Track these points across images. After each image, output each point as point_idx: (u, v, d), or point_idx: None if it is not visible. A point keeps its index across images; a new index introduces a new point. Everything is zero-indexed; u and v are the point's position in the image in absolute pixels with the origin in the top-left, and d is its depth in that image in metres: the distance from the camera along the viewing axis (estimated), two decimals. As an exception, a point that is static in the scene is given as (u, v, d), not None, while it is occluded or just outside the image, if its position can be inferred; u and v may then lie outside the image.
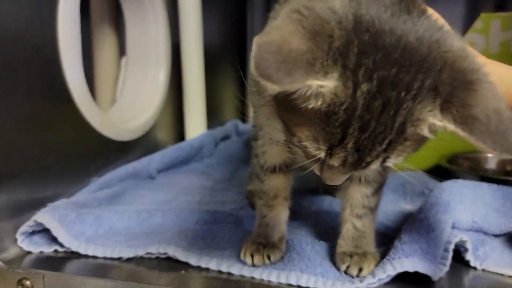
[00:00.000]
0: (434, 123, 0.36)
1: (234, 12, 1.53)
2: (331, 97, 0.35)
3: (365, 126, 0.35)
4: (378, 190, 0.57)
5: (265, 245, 0.57)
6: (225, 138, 1.28)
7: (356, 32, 0.35)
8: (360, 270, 0.53)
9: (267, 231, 0.58)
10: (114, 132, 0.84)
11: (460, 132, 0.35)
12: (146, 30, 0.99)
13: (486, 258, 0.58)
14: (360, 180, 0.56)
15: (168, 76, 1.03)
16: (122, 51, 1.05)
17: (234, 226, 0.67)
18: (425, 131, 0.36)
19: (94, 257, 0.61)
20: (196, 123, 1.12)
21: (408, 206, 0.77)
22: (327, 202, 0.78)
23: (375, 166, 0.38)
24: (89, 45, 1.02)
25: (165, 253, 0.59)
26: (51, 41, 0.70)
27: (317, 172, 0.42)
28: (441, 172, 0.87)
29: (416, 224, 0.56)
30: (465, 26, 1.26)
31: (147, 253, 0.60)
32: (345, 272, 0.53)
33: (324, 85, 0.34)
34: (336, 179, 0.41)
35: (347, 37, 0.34)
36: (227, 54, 1.43)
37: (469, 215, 0.61)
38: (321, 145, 0.37)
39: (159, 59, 1.00)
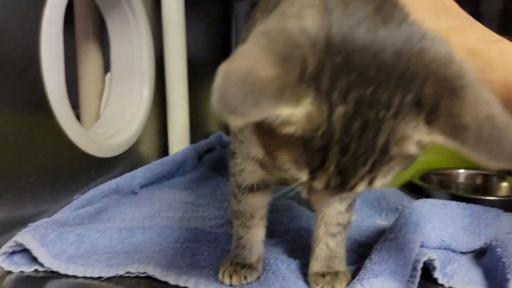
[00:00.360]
0: (421, 139, 0.34)
1: (218, 24, 1.55)
2: (304, 124, 0.33)
3: (345, 149, 0.33)
4: (351, 206, 0.58)
5: (243, 266, 0.58)
6: (210, 150, 1.30)
7: (328, 54, 0.32)
8: (332, 288, 0.55)
9: (244, 253, 0.60)
10: (97, 149, 0.86)
11: (451, 143, 0.33)
12: (130, 46, 1.00)
13: (453, 275, 0.60)
14: None
15: (152, 92, 1.05)
16: (106, 67, 1.06)
17: (213, 244, 0.69)
18: (411, 149, 0.35)
19: (74, 276, 0.61)
20: (179, 137, 1.13)
21: (383, 221, 0.80)
22: (306, 219, 0.80)
23: (361, 188, 0.36)
24: (74, 61, 1.04)
25: (144, 272, 0.60)
26: (34, 60, 0.71)
27: (304, 196, 0.40)
28: (414, 188, 0.90)
29: (386, 244, 0.58)
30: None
31: (127, 272, 0.61)
32: (319, 292, 0.55)
33: (294, 114, 0.32)
34: (323, 203, 0.40)
35: (320, 60, 0.32)
36: (211, 67, 1.44)
37: (438, 234, 0.64)
38: (302, 169, 0.36)
39: (143, 75, 1.02)
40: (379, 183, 0.36)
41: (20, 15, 0.68)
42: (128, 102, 1.01)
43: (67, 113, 0.77)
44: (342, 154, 0.34)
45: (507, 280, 0.54)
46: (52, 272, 0.62)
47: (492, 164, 0.32)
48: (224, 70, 0.30)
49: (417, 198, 0.74)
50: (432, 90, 0.33)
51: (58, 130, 0.76)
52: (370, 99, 0.32)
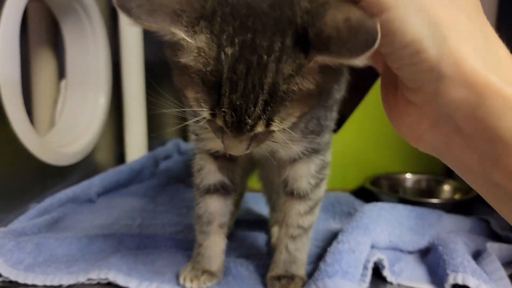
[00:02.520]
0: (306, 71, 0.38)
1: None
2: (197, 56, 0.37)
3: (234, 87, 0.37)
4: (312, 209, 0.60)
5: (204, 272, 0.60)
6: (167, 157, 1.30)
7: (220, 4, 0.37)
8: (288, 291, 0.58)
9: (204, 261, 0.61)
10: (52, 157, 0.85)
11: (323, 59, 0.36)
12: (86, 53, 1.00)
13: (401, 273, 0.65)
14: (293, 194, 0.58)
15: (108, 99, 1.04)
16: (60, 74, 1.05)
17: (173, 250, 0.70)
18: (303, 84, 0.38)
19: (34, 285, 0.61)
20: (136, 145, 1.14)
21: (337, 225, 0.84)
22: (263, 225, 0.82)
23: (260, 129, 0.39)
24: (27, 67, 1.02)
25: (106, 279, 0.61)
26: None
27: (221, 142, 0.43)
28: (366, 193, 0.96)
29: (339, 246, 0.62)
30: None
31: (88, 279, 0.61)
32: (276, 295, 0.58)
33: (188, 40, 0.37)
34: (235, 147, 0.42)
35: (214, 7, 0.37)
36: (168, 72, 1.45)
37: (386, 235, 0.68)
38: (203, 106, 0.39)
39: (100, 83, 1.01)
40: (276, 126, 0.40)
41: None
42: (83, 110, 1.01)
43: (23, 121, 0.76)
44: (232, 92, 0.37)
45: (447, 275, 0.59)
46: (10, 282, 0.62)
47: (355, 61, 0.35)
48: None
49: (368, 202, 0.79)
50: (301, 24, 0.37)
51: (13, 138, 0.75)
52: (251, 44, 0.37)
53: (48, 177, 0.86)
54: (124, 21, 1.06)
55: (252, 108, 0.38)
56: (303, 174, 0.58)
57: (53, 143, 0.91)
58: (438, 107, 0.33)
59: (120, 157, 1.15)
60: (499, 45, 0.33)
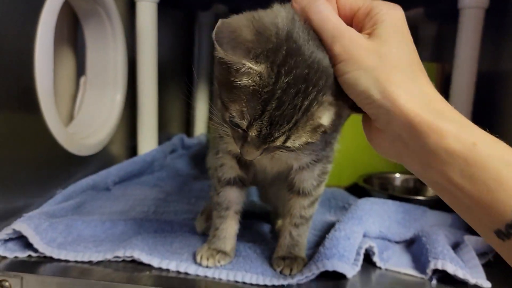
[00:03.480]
0: (330, 111, 0.49)
1: (183, 33, 1.64)
2: (257, 79, 0.47)
3: (280, 106, 0.47)
4: (313, 203, 0.70)
5: (218, 251, 0.69)
6: (172, 152, 1.39)
7: (287, 41, 0.47)
8: (291, 270, 0.67)
9: (219, 243, 0.70)
10: (76, 147, 0.93)
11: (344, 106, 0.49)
12: (106, 53, 1.07)
13: (388, 260, 0.73)
14: (299, 193, 0.69)
15: (124, 97, 1.12)
16: (78, 71, 1.12)
17: (188, 234, 0.79)
18: (323, 118, 0.48)
19: (66, 261, 0.69)
20: (148, 139, 1.21)
21: (332, 217, 0.93)
22: (265, 216, 0.91)
23: (279, 142, 0.49)
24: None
25: (130, 257, 0.69)
26: (28, 63, 0.77)
27: (238, 149, 0.53)
28: (359, 189, 1.05)
29: (336, 233, 0.71)
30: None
31: (115, 257, 0.70)
32: (280, 272, 0.67)
33: (253, 68, 0.46)
34: (252, 154, 0.51)
35: (280, 43, 0.47)
36: (176, 71, 1.53)
37: (377, 227, 0.78)
38: (245, 117, 0.48)
39: (117, 81, 1.09)
40: (290, 143, 0.50)
41: (18, 20, 0.75)
42: (101, 106, 1.08)
43: (54, 114, 0.84)
44: (276, 109, 0.47)
45: (429, 261, 0.68)
46: (45, 257, 0.70)
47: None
48: (222, 21, 0.47)
49: (361, 198, 0.87)
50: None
51: (46, 130, 0.82)
52: (305, 77, 0.47)
53: (71, 166, 0.93)
54: (141, 24, 1.15)
55: (285, 125, 0.48)
56: (308, 178, 0.68)
57: (73, 134, 0.98)
58: (391, 130, 0.45)
59: (132, 149, 1.23)
60: (426, 85, 0.45)
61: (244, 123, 0.49)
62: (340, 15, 0.50)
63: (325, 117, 0.49)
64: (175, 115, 1.56)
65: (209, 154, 0.80)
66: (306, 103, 0.47)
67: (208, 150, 0.83)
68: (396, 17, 0.47)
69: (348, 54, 0.45)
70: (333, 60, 0.47)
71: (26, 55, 0.77)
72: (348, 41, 0.46)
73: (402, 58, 0.46)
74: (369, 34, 0.46)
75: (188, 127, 1.70)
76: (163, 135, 1.37)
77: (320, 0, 0.48)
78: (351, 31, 0.46)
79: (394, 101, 0.43)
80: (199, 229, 0.79)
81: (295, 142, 0.50)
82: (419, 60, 0.47)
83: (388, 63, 0.45)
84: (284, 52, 0.47)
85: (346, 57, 0.45)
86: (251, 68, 0.46)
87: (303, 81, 0.47)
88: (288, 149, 0.52)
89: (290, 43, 0.47)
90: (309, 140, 0.51)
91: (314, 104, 0.48)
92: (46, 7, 0.80)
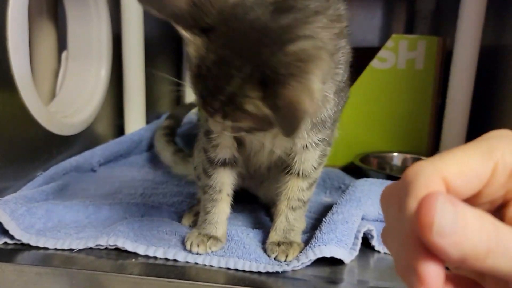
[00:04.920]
0: (257, 105, 0.46)
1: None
2: (194, 52, 0.46)
3: (207, 81, 0.46)
4: (312, 185, 0.67)
5: (209, 237, 0.64)
6: (161, 130, 1.34)
7: (224, 21, 0.45)
8: (287, 256, 0.63)
9: (210, 228, 0.66)
10: (57, 127, 0.87)
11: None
12: (89, 26, 1.01)
13: (387, 243, 0.70)
14: (298, 175, 0.65)
15: (109, 72, 1.06)
16: (60, 45, 1.06)
17: (176, 218, 0.75)
18: (250, 107, 0.46)
19: (45, 248, 0.65)
20: (136, 117, 1.16)
21: (327, 199, 0.89)
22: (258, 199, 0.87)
23: (218, 118, 0.48)
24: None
25: (114, 245, 0.65)
26: (0, 38, 0.72)
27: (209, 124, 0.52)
28: (355, 169, 1.01)
29: (333, 217, 0.67)
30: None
31: (97, 245, 0.65)
32: (275, 259, 0.63)
33: (192, 41, 0.46)
34: (213, 126, 0.52)
35: (218, 20, 0.45)
36: (165, 46, 1.46)
37: (376, 208, 0.74)
38: (196, 92, 0.48)
39: (101, 56, 1.03)
40: (228, 123, 0.48)
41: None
42: (85, 82, 1.02)
43: (31, 92, 0.78)
44: (204, 83, 0.47)
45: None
46: (22, 244, 0.65)
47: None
48: None
49: (358, 178, 0.84)
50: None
51: (23, 108, 0.77)
52: (230, 59, 0.44)
53: (53, 146, 0.88)
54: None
55: (215, 102, 0.47)
56: (310, 158, 0.65)
57: (55, 113, 0.93)
58: None
59: (119, 129, 1.18)
60: None
61: (197, 97, 0.49)
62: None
63: (252, 108, 0.46)
64: (163, 93, 1.50)
65: (195, 155, 0.75)
66: (230, 88, 0.45)
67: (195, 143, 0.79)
68: None
69: None
70: None
71: (-2, 27, 0.72)
72: None
73: None
74: None
75: (177, 105, 1.64)
76: (152, 113, 1.31)
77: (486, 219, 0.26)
78: None
79: None
80: (186, 223, 0.74)
81: (236, 124, 0.48)
82: None
83: None
84: (218, 30, 0.45)
85: None
86: (189, 39, 0.46)
87: (228, 63, 0.45)
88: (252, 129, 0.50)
89: (227, 21, 0.45)
90: (250, 125, 0.48)
91: (241, 95, 0.45)
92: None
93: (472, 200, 0.29)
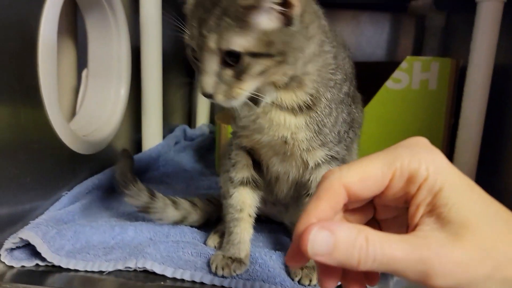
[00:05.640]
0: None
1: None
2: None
3: (200, 14, 0.53)
4: None
5: (233, 260, 0.66)
6: (175, 144, 1.36)
7: None
8: (310, 280, 0.65)
9: (234, 249, 0.68)
10: (81, 146, 0.89)
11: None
12: (109, 45, 1.03)
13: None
14: None
15: (129, 91, 1.08)
16: (80, 63, 1.07)
17: (199, 238, 0.77)
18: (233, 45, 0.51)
19: (76, 270, 0.67)
20: (153, 133, 1.18)
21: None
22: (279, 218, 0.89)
23: (212, 43, 0.52)
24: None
25: (143, 267, 0.67)
26: (31, 63, 0.74)
27: (200, 85, 0.55)
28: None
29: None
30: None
31: (126, 267, 0.67)
32: (299, 282, 0.65)
33: None
34: (206, 82, 0.54)
35: None
36: (177, 60, 1.48)
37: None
38: (186, 32, 0.54)
39: (121, 74, 1.05)
40: (225, 42, 0.52)
41: (20, 14, 0.71)
42: (105, 101, 1.04)
43: (57, 111, 0.80)
44: (199, 16, 0.53)
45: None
46: (53, 266, 0.67)
47: None
48: None
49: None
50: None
51: (50, 130, 0.79)
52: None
53: (76, 165, 0.90)
54: (145, 16, 1.10)
55: (208, 25, 0.52)
56: None
57: (75, 131, 0.95)
58: None
59: (137, 143, 1.19)
60: None
61: (186, 36, 0.54)
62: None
63: (236, 41, 0.51)
64: (177, 106, 1.52)
65: (221, 175, 0.78)
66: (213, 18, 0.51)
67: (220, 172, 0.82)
68: (445, 166, 0.35)
69: (453, 279, 0.32)
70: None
71: (29, 50, 0.74)
72: (444, 265, 0.32)
73: (502, 231, 0.33)
74: (438, 221, 0.33)
75: (190, 117, 1.66)
76: (166, 125, 1.33)
77: (359, 237, 0.33)
78: (431, 248, 0.32)
79: None
80: (211, 245, 0.76)
81: (230, 42, 0.51)
82: (496, 202, 0.35)
83: (501, 252, 0.32)
84: None
85: (453, 282, 0.32)
86: None
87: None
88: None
89: None
90: (259, 50, 0.52)
91: (222, 22, 0.51)
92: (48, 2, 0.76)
93: (379, 199, 0.37)
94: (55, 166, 0.82)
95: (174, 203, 0.80)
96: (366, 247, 0.32)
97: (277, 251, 0.73)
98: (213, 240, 0.76)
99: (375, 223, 0.41)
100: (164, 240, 0.74)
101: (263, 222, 0.83)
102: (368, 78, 1.01)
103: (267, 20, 0.52)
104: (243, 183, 0.69)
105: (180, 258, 0.69)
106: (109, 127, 1.01)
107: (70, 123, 0.99)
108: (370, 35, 1.57)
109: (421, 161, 0.34)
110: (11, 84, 0.70)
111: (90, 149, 0.94)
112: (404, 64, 1.03)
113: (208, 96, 0.55)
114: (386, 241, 0.32)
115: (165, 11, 1.15)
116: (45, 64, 0.76)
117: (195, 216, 0.81)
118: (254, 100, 0.59)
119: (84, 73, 1.05)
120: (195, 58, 0.56)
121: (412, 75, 1.03)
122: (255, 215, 0.71)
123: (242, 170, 0.69)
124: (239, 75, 0.53)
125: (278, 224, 0.85)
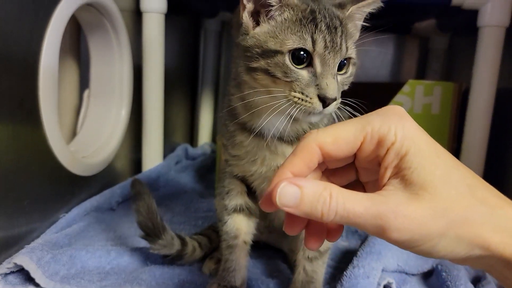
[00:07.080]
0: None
1: (188, 39, 1.59)
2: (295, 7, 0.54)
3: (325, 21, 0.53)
4: None
5: None
6: (176, 163, 1.35)
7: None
8: (308, 310, 0.64)
9: (229, 277, 0.67)
10: (80, 168, 0.89)
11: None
12: (111, 66, 1.03)
13: (407, 293, 0.71)
14: None
15: (129, 112, 1.08)
16: (82, 84, 1.08)
17: (196, 264, 0.76)
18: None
19: (69, 296, 0.66)
20: (153, 154, 1.17)
21: (344, 243, 0.89)
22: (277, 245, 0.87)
23: (344, 50, 0.54)
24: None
25: (137, 293, 0.66)
26: (32, 74, 0.74)
27: (315, 92, 0.53)
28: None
29: (354, 271, 0.68)
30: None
31: (121, 294, 0.66)
32: (296, 311, 0.64)
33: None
34: (331, 82, 0.53)
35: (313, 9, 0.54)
36: (180, 79, 1.49)
37: (395, 260, 0.74)
38: (305, 37, 0.52)
39: (122, 96, 1.05)
40: (351, 50, 0.56)
41: (22, 39, 0.71)
42: (106, 122, 1.04)
43: (57, 135, 0.80)
44: (325, 21, 0.54)
45: (451, 301, 0.65)
46: (47, 291, 0.66)
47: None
48: None
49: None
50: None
51: (49, 152, 0.79)
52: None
53: (75, 187, 0.90)
54: (148, 39, 1.10)
55: (339, 33, 0.53)
56: None
57: (75, 153, 0.94)
58: (480, 265, 0.39)
59: (136, 164, 1.19)
60: (494, 198, 0.38)
61: (306, 42, 0.52)
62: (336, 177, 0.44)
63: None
64: (178, 124, 1.52)
65: (216, 198, 0.77)
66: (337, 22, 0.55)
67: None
68: (413, 132, 0.38)
69: (407, 233, 0.36)
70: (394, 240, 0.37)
71: (30, 75, 0.74)
72: (398, 220, 0.35)
73: (462, 194, 0.37)
74: (402, 182, 0.37)
75: (191, 136, 1.66)
76: (167, 144, 1.33)
77: (324, 192, 0.37)
78: (389, 205, 0.36)
79: (486, 248, 0.36)
80: (207, 271, 0.75)
81: (351, 48, 0.55)
82: (466, 169, 0.39)
83: (457, 213, 0.36)
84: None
85: (408, 236, 0.36)
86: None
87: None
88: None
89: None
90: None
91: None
92: (52, 21, 0.76)
93: (358, 162, 0.42)
94: (53, 189, 0.82)
95: (199, 244, 0.79)
96: (329, 201, 0.36)
97: (274, 279, 0.72)
98: (208, 267, 0.75)
99: (360, 185, 0.44)
100: (160, 267, 0.73)
101: (261, 248, 0.82)
102: (372, 98, 1.01)
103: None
104: (237, 210, 0.69)
105: (175, 284, 0.68)
106: (109, 148, 1.01)
107: (70, 143, 0.99)
108: (374, 56, 1.57)
109: (391, 127, 0.38)
110: (11, 107, 0.70)
111: (90, 170, 0.94)
112: (406, 88, 1.03)
113: (330, 100, 0.53)
114: (349, 197, 0.36)
115: (167, 28, 1.15)
116: (46, 88, 0.76)
117: (207, 250, 0.81)
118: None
119: (85, 93, 1.05)
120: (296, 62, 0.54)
121: (414, 99, 1.02)
122: (251, 242, 0.69)
123: (236, 198, 0.68)
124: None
125: (277, 251, 0.83)
